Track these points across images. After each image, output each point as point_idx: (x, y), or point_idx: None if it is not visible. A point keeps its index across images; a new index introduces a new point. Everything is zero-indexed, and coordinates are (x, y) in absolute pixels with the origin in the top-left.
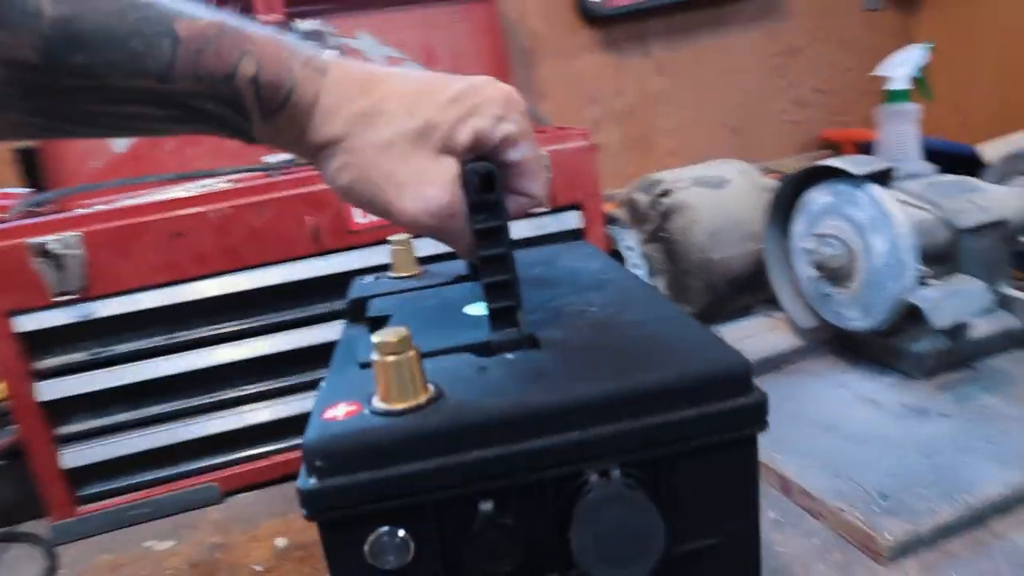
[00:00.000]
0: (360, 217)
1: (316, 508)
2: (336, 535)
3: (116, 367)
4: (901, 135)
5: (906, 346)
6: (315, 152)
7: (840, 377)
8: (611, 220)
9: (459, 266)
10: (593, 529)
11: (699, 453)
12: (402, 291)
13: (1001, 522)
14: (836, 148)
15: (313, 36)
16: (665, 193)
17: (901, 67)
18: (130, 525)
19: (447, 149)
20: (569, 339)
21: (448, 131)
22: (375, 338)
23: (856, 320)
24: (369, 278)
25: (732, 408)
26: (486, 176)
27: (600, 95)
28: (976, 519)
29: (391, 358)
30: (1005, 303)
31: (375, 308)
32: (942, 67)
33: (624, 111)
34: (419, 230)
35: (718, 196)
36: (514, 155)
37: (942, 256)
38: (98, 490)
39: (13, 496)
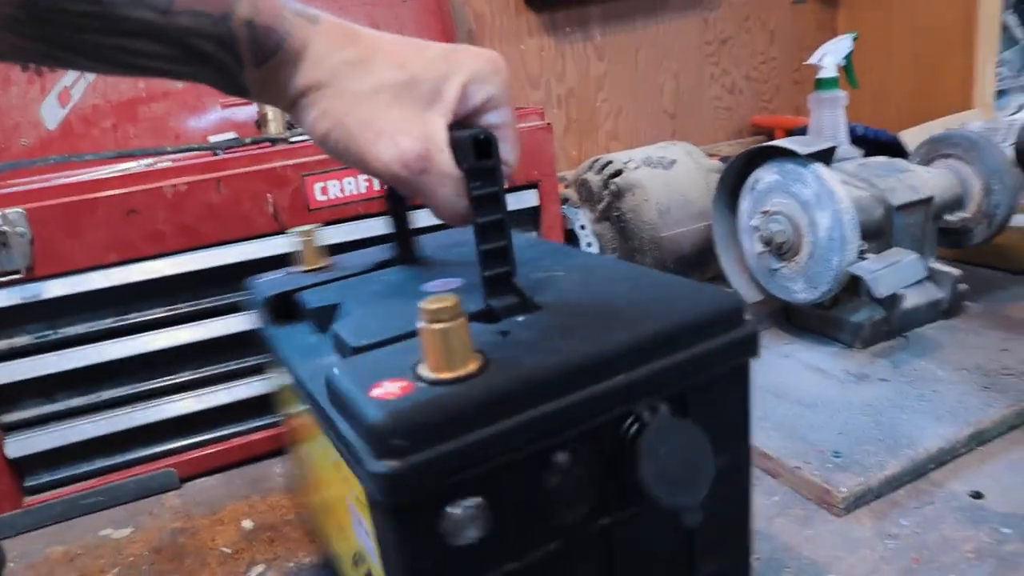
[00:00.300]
0: (320, 195)
1: (401, 490)
2: (414, 515)
3: (65, 350)
4: (831, 120)
5: (845, 317)
6: (297, 98)
7: (786, 348)
8: (563, 200)
9: (370, 255)
10: (658, 460)
11: (713, 382)
12: (326, 282)
13: (939, 472)
14: (767, 133)
15: None
16: (616, 173)
17: (830, 56)
18: (83, 515)
19: (430, 104)
20: (565, 300)
21: (433, 87)
22: (426, 306)
23: (801, 292)
24: (271, 275)
25: (735, 339)
26: (484, 141)
27: (543, 78)
28: (918, 471)
29: (442, 326)
30: (932, 276)
31: (313, 300)
32: (861, 59)
33: (566, 94)
34: (392, 181)
35: (667, 176)
36: (495, 118)
37: (877, 232)
38: (47, 480)
39: None
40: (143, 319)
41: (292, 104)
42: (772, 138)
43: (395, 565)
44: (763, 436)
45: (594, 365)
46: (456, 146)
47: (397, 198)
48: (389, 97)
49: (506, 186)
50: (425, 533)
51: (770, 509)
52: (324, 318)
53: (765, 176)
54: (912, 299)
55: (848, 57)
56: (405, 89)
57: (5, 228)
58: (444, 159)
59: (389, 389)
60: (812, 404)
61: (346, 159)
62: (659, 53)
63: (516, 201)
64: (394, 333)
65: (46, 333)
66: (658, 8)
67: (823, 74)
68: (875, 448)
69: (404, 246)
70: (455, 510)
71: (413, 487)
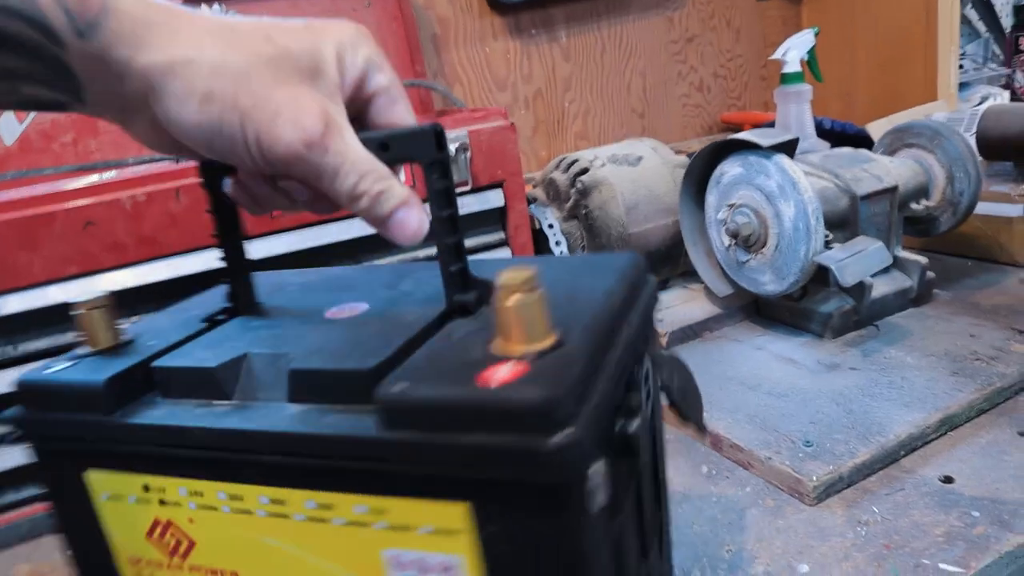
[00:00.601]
0: None
1: (574, 462)
2: (567, 492)
3: (24, 366)
4: (796, 114)
5: (815, 308)
6: (155, 79)
7: (757, 340)
8: (531, 200)
9: (191, 309)
10: (672, 385)
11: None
12: (178, 344)
13: (909, 459)
14: (737, 130)
15: None
16: (583, 171)
17: (793, 51)
18: (52, 533)
19: (314, 81)
20: None
21: (310, 60)
22: (507, 281)
23: (769, 284)
24: (47, 369)
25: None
26: (438, 135)
27: (509, 80)
28: (889, 457)
29: (531, 296)
30: (899, 265)
31: (208, 358)
32: (826, 55)
33: (534, 96)
34: (290, 165)
35: (634, 173)
36: (381, 79)
37: (843, 222)
38: (12, 499)
39: None
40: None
41: (145, 89)
42: None
43: (560, 551)
44: (735, 427)
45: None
46: (393, 142)
47: (229, 226)
48: (266, 72)
49: (467, 188)
50: (579, 508)
51: (742, 500)
52: (231, 375)
53: (729, 169)
54: (880, 288)
55: (811, 52)
56: (281, 64)
57: None
58: (348, 137)
59: (503, 374)
60: (783, 395)
61: (230, 147)
62: (625, 52)
63: (481, 202)
64: (392, 348)
65: (5, 348)
66: (622, 8)
67: (787, 69)
68: (846, 436)
69: (241, 290)
70: (595, 474)
71: (583, 456)
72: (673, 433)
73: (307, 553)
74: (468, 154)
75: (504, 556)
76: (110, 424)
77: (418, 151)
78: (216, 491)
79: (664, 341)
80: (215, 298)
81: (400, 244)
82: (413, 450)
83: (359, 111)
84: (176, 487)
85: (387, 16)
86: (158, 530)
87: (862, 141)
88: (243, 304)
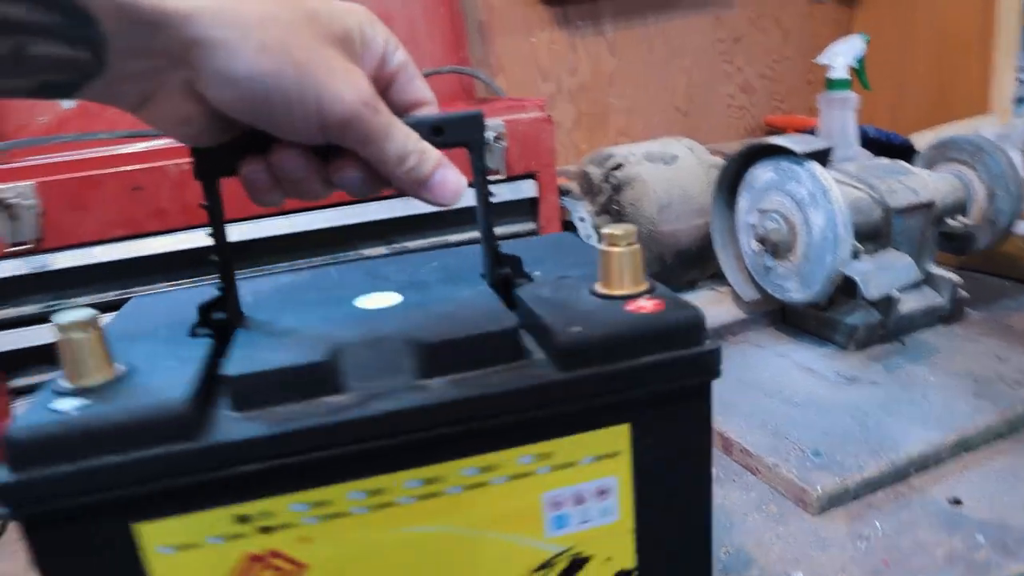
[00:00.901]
0: None
1: (719, 362)
2: (710, 386)
3: None
4: (840, 122)
5: (840, 319)
6: (198, 26)
7: (780, 347)
8: (564, 192)
9: (174, 309)
10: None
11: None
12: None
13: (920, 477)
14: (780, 133)
15: None
16: (617, 167)
17: (841, 56)
18: None
19: (343, 44)
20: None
21: (341, 26)
22: (611, 232)
23: (795, 292)
24: (44, 413)
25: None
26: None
27: (554, 72)
28: (899, 474)
29: (627, 248)
30: (930, 281)
31: (282, 353)
32: (880, 60)
33: (577, 89)
34: (346, 127)
35: (668, 171)
36: (400, 56)
37: (875, 234)
38: None
39: None
40: (145, 293)
41: (186, 40)
42: None
43: (701, 438)
44: (747, 432)
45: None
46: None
47: (221, 224)
48: (314, 32)
49: (501, 177)
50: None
51: (746, 505)
52: (334, 366)
53: (762, 174)
54: (909, 303)
55: (860, 59)
56: (320, 25)
57: (16, 200)
58: (383, 105)
59: (649, 305)
60: (800, 404)
61: (284, 108)
62: (671, 50)
63: (513, 191)
64: (503, 310)
65: (53, 303)
66: (670, 5)
67: (833, 74)
68: (857, 449)
69: (230, 298)
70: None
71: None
72: None
73: (461, 526)
74: (504, 143)
75: (653, 463)
76: (200, 451)
77: (469, 135)
78: (347, 492)
79: None
80: (159, 310)
81: (442, 204)
82: (590, 385)
83: (381, 88)
84: (287, 505)
85: (434, 2)
86: (254, 568)
87: (906, 152)
88: (233, 309)
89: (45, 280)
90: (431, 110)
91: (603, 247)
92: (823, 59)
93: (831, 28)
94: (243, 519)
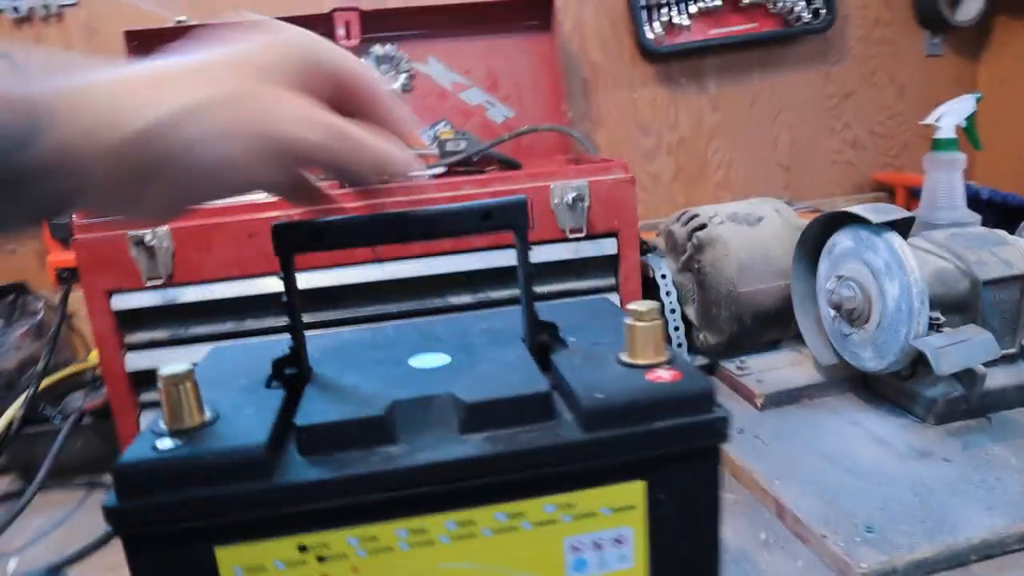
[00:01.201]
0: None
1: (727, 428)
2: (718, 449)
3: (192, 346)
4: (946, 183)
5: (920, 390)
6: (161, 140)
7: (855, 415)
8: (651, 248)
9: (251, 369)
10: None
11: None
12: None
13: (982, 566)
14: (888, 191)
15: (387, 61)
16: (701, 227)
17: (948, 116)
18: None
19: (285, 82)
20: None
21: (276, 67)
22: (634, 308)
23: (869, 361)
24: (145, 451)
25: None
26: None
27: (655, 127)
28: (955, 559)
29: (651, 324)
30: None
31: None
32: (1003, 116)
33: (677, 143)
34: (315, 155)
35: (752, 232)
36: (349, 68)
37: (961, 306)
38: None
39: (100, 450)
40: (255, 327)
41: (155, 155)
42: (893, 196)
43: (710, 497)
44: (802, 499)
45: None
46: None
47: (295, 290)
48: (261, 81)
49: (583, 235)
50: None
51: (789, 573)
52: (391, 420)
53: (841, 241)
54: (998, 379)
55: (971, 118)
56: (261, 70)
57: (154, 242)
58: (352, 126)
59: (667, 375)
60: (863, 475)
61: (259, 168)
62: (776, 106)
63: (595, 248)
64: (538, 375)
65: (179, 331)
66: (777, 61)
67: (939, 135)
68: (912, 528)
69: (300, 356)
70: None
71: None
72: (741, 493)
73: (492, 564)
74: (585, 203)
75: (665, 516)
76: (273, 489)
77: (514, 220)
78: (394, 530)
79: (760, 403)
80: (239, 361)
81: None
82: (610, 445)
83: (343, 102)
84: (343, 538)
85: (540, 60)
86: None
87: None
88: (303, 366)
89: (173, 311)
90: (400, 118)
91: (628, 321)
92: (930, 119)
93: (950, 83)
94: (303, 548)
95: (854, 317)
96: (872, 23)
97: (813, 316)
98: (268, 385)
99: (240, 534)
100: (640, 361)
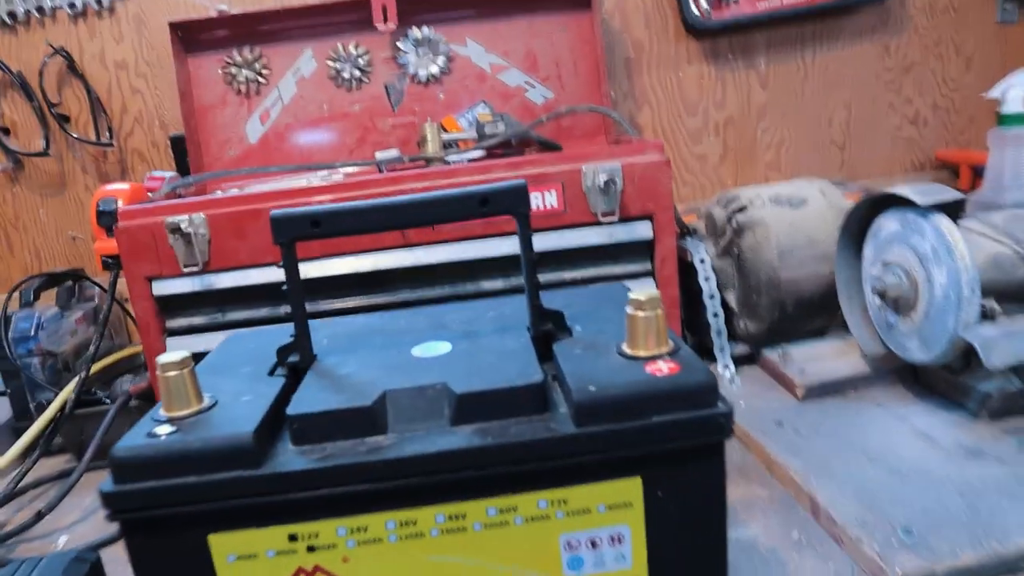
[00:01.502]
0: None
1: (729, 425)
2: (721, 446)
3: (230, 331)
4: (1013, 161)
5: (974, 384)
6: None
7: (901, 409)
8: (691, 232)
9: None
10: None
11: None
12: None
13: None
14: (952, 169)
15: (424, 44)
16: (741, 209)
17: (1016, 88)
18: None
19: None
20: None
21: None
22: (636, 297)
23: (916, 352)
24: (141, 438)
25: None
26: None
27: (701, 106)
28: (1003, 567)
29: (655, 312)
30: None
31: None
32: None
33: (726, 123)
34: None
35: (794, 215)
36: None
37: (1020, 294)
38: None
39: None
40: (289, 311)
41: None
42: (957, 175)
43: (713, 497)
44: (838, 499)
45: None
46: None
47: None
48: None
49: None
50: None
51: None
52: (381, 411)
53: (887, 224)
54: None
55: None
56: None
57: (191, 229)
58: None
59: (665, 367)
60: (905, 474)
61: None
62: (829, 82)
63: (628, 232)
64: (536, 367)
65: (216, 316)
66: (832, 34)
67: (1006, 108)
68: (956, 533)
69: (303, 345)
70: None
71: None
72: (775, 489)
73: (483, 559)
74: (618, 186)
75: (664, 515)
76: (261, 478)
77: (513, 206)
78: (384, 522)
79: (800, 394)
80: (249, 348)
81: None
82: (604, 440)
83: None
84: (333, 528)
85: (580, 40)
86: None
87: None
88: (305, 354)
89: (211, 297)
90: None
91: (629, 311)
92: (994, 92)
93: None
94: (294, 538)
95: (900, 305)
96: None
97: (859, 304)
98: (271, 372)
99: (232, 522)
100: (641, 352)
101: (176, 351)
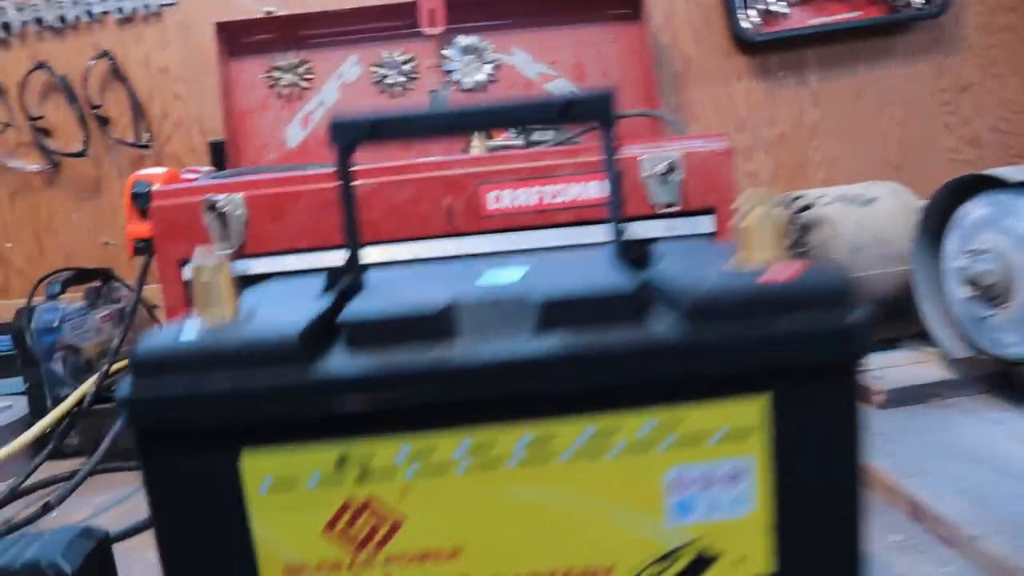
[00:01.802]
0: (493, 203)
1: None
2: (855, 366)
3: None
4: None
5: None
6: None
7: (996, 415)
8: None
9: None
10: None
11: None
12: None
13: None
14: None
15: (471, 51)
16: (805, 207)
17: None
18: None
19: None
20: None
21: None
22: (748, 198)
23: (1015, 346)
24: (168, 337)
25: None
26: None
27: (751, 122)
28: None
29: (761, 219)
30: None
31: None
32: None
33: (776, 140)
34: None
35: (862, 213)
36: None
37: None
38: None
39: None
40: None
41: None
42: None
43: (849, 426)
44: (942, 499)
45: None
46: None
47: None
48: None
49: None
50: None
51: None
52: (450, 318)
53: (974, 210)
54: None
55: None
56: None
57: (227, 209)
58: None
59: (785, 272)
60: (1017, 474)
61: None
62: (883, 100)
63: (690, 226)
64: (624, 274)
65: None
66: (884, 52)
67: None
68: None
69: (355, 264)
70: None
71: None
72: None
73: (569, 498)
74: (678, 175)
75: (792, 446)
76: (307, 382)
77: (598, 113)
78: (456, 443)
79: (879, 400)
80: (288, 289)
81: None
82: (716, 348)
83: None
84: (392, 450)
85: (630, 51)
86: (346, 517)
87: None
88: (357, 276)
89: (244, 282)
90: None
91: (737, 220)
92: None
93: None
94: (341, 461)
95: (994, 295)
96: (992, 8)
97: (938, 303)
98: (320, 295)
99: (270, 436)
100: (757, 259)
101: (212, 255)
